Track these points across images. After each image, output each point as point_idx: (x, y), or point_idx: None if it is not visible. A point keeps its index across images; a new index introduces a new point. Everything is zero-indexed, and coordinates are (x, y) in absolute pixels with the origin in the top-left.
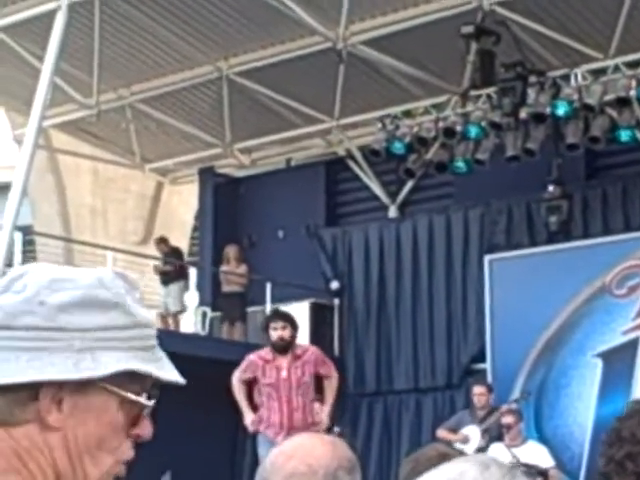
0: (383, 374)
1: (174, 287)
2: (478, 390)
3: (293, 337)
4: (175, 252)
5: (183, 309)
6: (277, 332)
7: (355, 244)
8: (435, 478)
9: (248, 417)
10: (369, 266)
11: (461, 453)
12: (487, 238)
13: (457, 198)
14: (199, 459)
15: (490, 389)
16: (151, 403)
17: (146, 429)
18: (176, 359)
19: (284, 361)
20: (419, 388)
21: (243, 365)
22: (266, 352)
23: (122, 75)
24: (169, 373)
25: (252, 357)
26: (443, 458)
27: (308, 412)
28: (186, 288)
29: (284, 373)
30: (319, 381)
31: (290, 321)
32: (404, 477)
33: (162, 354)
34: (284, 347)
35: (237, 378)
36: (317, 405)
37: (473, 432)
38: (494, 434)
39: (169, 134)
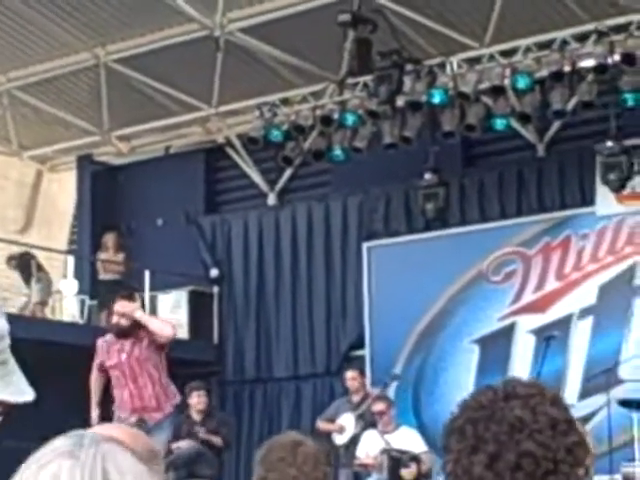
0: (263, 361)
1: (33, 282)
2: (350, 374)
3: (132, 323)
4: (23, 256)
5: (44, 300)
6: (115, 317)
7: (234, 232)
8: None
9: (94, 412)
10: (248, 254)
11: (318, 442)
12: (365, 225)
13: (335, 186)
14: None
15: (362, 373)
16: None
17: None
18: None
19: (126, 343)
20: (298, 375)
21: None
22: (110, 336)
23: None
24: (15, 394)
25: (99, 341)
26: (296, 445)
27: (159, 391)
28: (45, 280)
29: (124, 356)
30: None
31: (131, 299)
32: (256, 461)
33: (14, 367)
34: (123, 333)
35: (94, 365)
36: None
37: (348, 420)
38: (369, 420)
39: (47, 121)
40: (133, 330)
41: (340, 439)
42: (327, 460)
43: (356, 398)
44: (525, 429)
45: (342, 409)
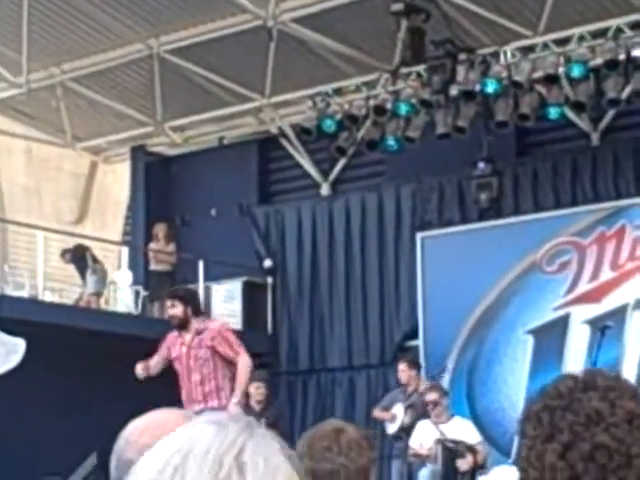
0: (316, 352)
1: (88, 274)
2: (400, 367)
3: (185, 313)
4: (78, 249)
5: (99, 292)
6: (169, 311)
7: (288, 222)
8: (164, 450)
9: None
10: (302, 244)
11: (357, 428)
12: (419, 215)
13: (389, 176)
14: None
15: (412, 365)
16: None
17: None
18: (110, 338)
19: (187, 336)
20: (352, 366)
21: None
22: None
23: (52, 53)
24: None
25: (169, 334)
26: (339, 432)
27: (210, 388)
28: (100, 272)
29: (184, 349)
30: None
31: (179, 298)
32: (300, 453)
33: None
34: (178, 324)
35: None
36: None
37: (399, 410)
38: (420, 410)
39: (101, 112)
40: (187, 321)
41: (391, 428)
42: (370, 445)
43: (410, 389)
44: (601, 422)
45: (397, 399)
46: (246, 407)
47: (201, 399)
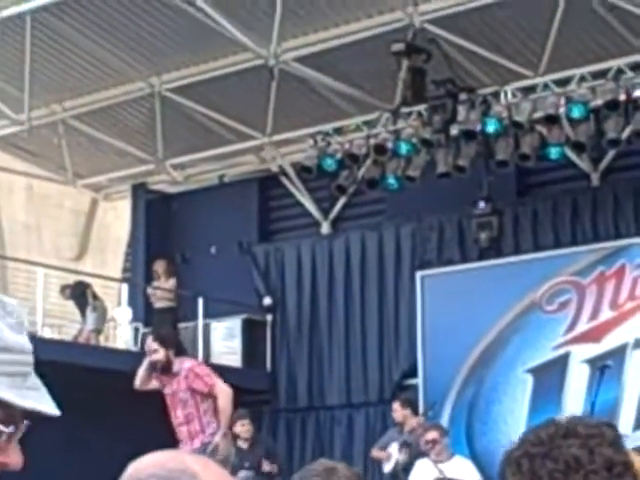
0: (315, 390)
1: (88, 311)
2: (394, 406)
3: (167, 357)
4: (78, 286)
5: (99, 328)
6: (152, 356)
7: (288, 260)
8: None
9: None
10: (302, 282)
11: (348, 467)
12: (419, 254)
13: (389, 214)
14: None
15: (405, 404)
16: (9, 430)
17: (13, 457)
18: (110, 375)
19: (168, 379)
20: (351, 403)
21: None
22: None
23: (54, 91)
24: (35, 402)
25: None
26: (330, 472)
27: (195, 428)
28: (100, 309)
29: (167, 390)
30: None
31: (160, 342)
32: None
33: (38, 383)
34: (162, 369)
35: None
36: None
37: (394, 448)
38: (415, 449)
39: (102, 150)
40: (170, 364)
41: (387, 467)
42: None
43: (406, 428)
44: (581, 469)
45: (392, 438)
46: (236, 448)
47: (186, 439)
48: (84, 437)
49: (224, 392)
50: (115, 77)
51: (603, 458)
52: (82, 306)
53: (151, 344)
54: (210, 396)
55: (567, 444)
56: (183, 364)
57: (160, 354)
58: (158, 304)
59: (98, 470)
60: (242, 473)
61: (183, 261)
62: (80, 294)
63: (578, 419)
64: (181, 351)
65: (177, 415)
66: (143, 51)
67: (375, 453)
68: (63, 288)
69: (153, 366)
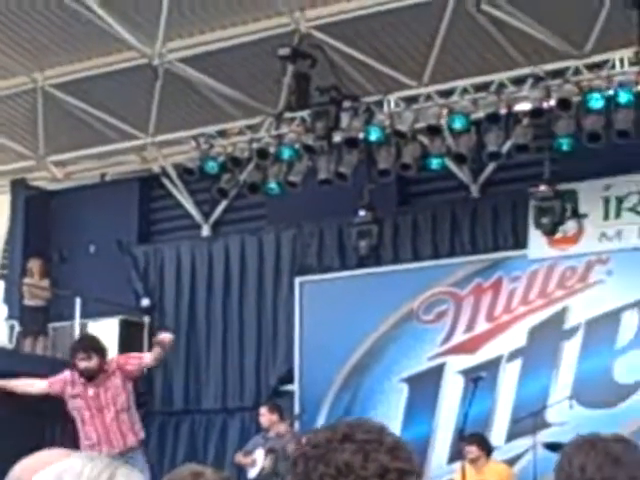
0: (191, 393)
1: None
2: (261, 411)
3: (100, 365)
4: None
5: None
6: (82, 363)
7: (167, 262)
8: (46, 475)
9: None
10: (180, 284)
11: (215, 471)
12: (298, 260)
13: (270, 219)
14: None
15: (273, 409)
16: None
17: None
18: None
19: (94, 385)
20: (227, 408)
21: (54, 378)
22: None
23: None
24: None
25: (65, 373)
26: (196, 477)
27: (124, 421)
28: None
29: (90, 392)
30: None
31: (96, 351)
32: None
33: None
34: (90, 376)
35: (44, 381)
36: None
37: (259, 454)
38: (281, 454)
39: None
40: (100, 372)
41: (252, 472)
42: None
43: (272, 433)
44: (351, 474)
45: (257, 444)
46: None
47: (119, 436)
48: None
49: (152, 353)
50: None
51: (377, 464)
52: None
53: (83, 354)
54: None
55: (342, 448)
56: (109, 363)
57: (93, 361)
58: (30, 302)
59: None
60: None
61: (61, 259)
62: None
63: (359, 423)
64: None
65: (106, 414)
66: (27, 45)
67: (240, 459)
68: None
69: (82, 374)
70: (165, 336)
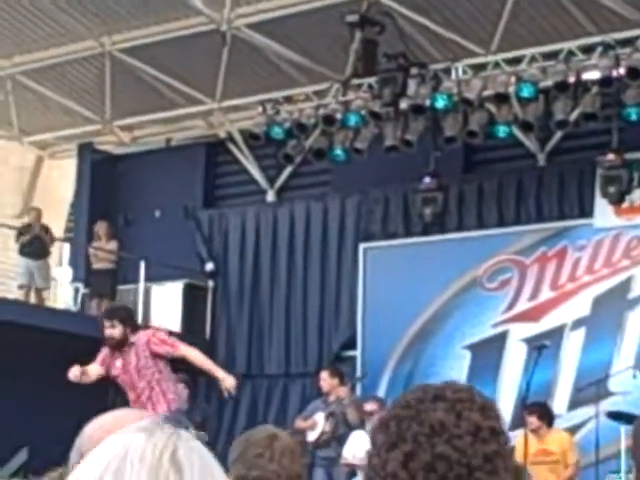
0: (254, 358)
1: (41, 263)
2: (322, 375)
3: (124, 334)
4: (45, 228)
5: (47, 286)
6: (107, 331)
7: (232, 227)
8: (100, 457)
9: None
10: (245, 250)
11: (292, 433)
12: (363, 227)
13: (335, 186)
14: (57, 435)
15: (333, 374)
16: None
17: None
18: (50, 335)
19: (123, 355)
20: (289, 373)
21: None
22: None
23: (3, 46)
24: None
25: (103, 351)
26: (272, 439)
27: (156, 393)
28: (50, 266)
29: (118, 363)
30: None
31: (119, 319)
32: (233, 459)
33: None
34: (115, 345)
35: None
36: (181, 386)
37: (320, 418)
38: (340, 419)
39: (49, 108)
40: (125, 341)
41: (311, 436)
42: (303, 452)
43: (332, 398)
44: (444, 433)
45: (317, 408)
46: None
47: (149, 407)
48: (19, 395)
49: (193, 350)
50: (66, 35)
51: (469, 422)
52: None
53: (107, 322)
54: (172, 361)
55: (434, 407)
56: (140, 333)
57: (117, 330)
58: (97, 265)
59: (31, 429)
60: None
61: (126, 223)
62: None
63: (449, 384)
64: (137, 328)
65: (137, 387)
66: (95, 10)
67: (299, 423)
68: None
69: (107, 342)
70: (230, 383)
